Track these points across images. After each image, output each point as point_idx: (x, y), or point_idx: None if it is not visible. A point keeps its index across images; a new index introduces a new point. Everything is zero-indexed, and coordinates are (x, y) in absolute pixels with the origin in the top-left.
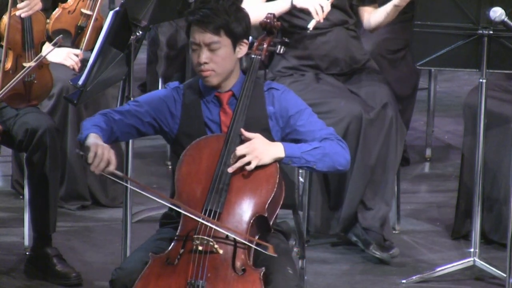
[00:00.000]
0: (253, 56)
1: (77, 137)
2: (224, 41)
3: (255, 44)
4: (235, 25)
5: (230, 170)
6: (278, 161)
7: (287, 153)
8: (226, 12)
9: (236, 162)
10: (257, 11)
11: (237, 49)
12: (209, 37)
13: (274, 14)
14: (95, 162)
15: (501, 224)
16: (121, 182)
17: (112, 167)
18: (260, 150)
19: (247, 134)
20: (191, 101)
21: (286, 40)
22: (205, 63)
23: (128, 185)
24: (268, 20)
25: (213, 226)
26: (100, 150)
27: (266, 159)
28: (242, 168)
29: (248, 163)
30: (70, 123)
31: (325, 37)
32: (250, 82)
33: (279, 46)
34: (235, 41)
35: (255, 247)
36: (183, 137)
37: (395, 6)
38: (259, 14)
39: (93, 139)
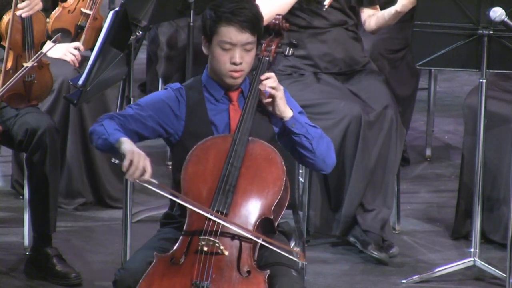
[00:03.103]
0: (261, 57)
1: (97, 142)
2: (255, 41)
3: (263, 45)
4: (262, 25)
5: (262, 87)
6: (284, 120)
7: (294, 114)
8: (257, 12)
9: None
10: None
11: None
12: (247, 37)
13: (282, 15)
14: (130, 171)
15: (501, 224)
16: (155, 189)
17: (147, 176)
18: (283, 95)
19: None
20: (195, 101)
21: (294, 42)
22: (240, 63)
23: (165, 194)
24: (277, 22)
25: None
26: (136, 158)
27: (283, 105)
28: (251, 167)
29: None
30: (71, 122)
31: (324, 37)
32: (258, 83)
33: (287, 48)
34: (259, 41)
35: (283, 252)
36: (188, 138)
37: (397, 11)
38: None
39: (129, 145)
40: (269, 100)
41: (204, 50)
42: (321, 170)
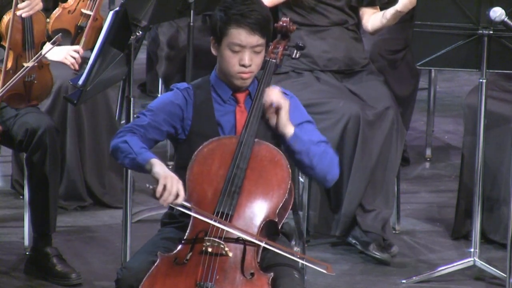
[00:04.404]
0: (268, 59)
1: (124, 161)
2: (264, 43)
3: (270, 47)
4: (271, 27)
5: (264, 99)
6: (285, 136)
7: (296, 130)
8: (267, 14)
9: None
10: None
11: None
12: (256, 39)
13: (290, 18)
14: (164, 196)
15: (501, 224)
16: (188, 212)
17: (180, 200)
18: (287, 111)
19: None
20: (202, 101)
21: (301, 44)
22: (249, 65)
23: (197, 216)
24: (284, 24)
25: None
26: (169, 183)
27: (286, 119)
28: (256, 169)
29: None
30: (69, 122)
31: (323, 34)
32: (265, 85)
33: (294, 51)
34: (268, 42)
35: (312, 265)
36: (194, 137)
37: (397, 11)
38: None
39: (161, 168)
40: (273, 111)
41: (213, 51)
42: (320, 184)
